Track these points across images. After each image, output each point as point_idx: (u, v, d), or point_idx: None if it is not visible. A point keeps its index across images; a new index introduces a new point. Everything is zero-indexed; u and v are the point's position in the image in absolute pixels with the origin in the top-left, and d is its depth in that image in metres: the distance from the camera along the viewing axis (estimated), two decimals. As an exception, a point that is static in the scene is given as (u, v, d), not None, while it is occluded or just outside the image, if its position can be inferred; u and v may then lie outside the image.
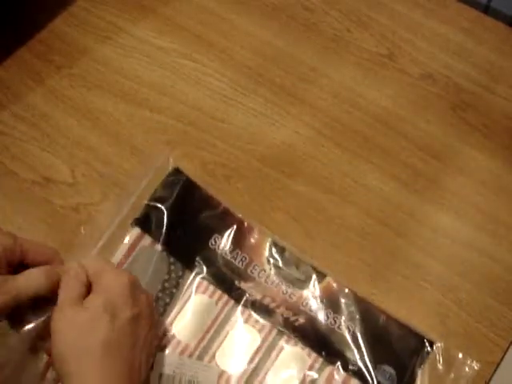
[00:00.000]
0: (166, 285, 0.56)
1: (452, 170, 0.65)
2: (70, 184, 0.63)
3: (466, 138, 0.67)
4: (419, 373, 0.54)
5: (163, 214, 0.59)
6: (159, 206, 0.60)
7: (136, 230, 0.59)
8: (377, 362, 0.53)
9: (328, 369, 0.54)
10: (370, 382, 0.53)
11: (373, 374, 0.53)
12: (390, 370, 0.53)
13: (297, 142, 0.66)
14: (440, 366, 0.54)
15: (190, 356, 0.54)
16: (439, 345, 0.55)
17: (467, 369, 0.54)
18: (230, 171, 0.65)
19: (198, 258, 0.58)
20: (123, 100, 0.69)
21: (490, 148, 0.66)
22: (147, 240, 0.59)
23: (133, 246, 0.58)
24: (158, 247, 0.58)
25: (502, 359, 0.55)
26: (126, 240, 0.58)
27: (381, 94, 0.70)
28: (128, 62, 0.71)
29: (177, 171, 0.62)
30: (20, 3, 0.75)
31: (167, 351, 0.54)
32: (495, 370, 0.55)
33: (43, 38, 0.73)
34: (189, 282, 0.57)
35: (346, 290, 0.57)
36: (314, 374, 0.53)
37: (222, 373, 0.53)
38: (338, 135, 0.67)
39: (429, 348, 0.54)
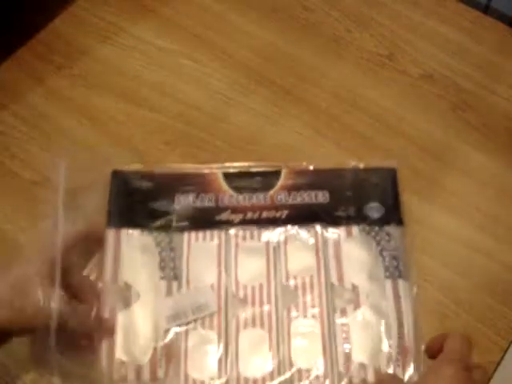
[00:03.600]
0: (163, 254, 0.57)
1: (452, 170, 0.65)
2: (70, 184, 0.64)
3: (466, 137, 0.67)
4: (400, 197, 0.60)
5: (126, 206, 0.60)
6: (118, 202, 0.60)
7: (111, 230, 0.58)
8: (363, 203, 0.59)
9: (332, 231, 0.58)
10: (366, 220, 0.58)
11: (365, 213, 0.59)
12: (376, 204, 0.59)
13: (297, 141, 0.66)
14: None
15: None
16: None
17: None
18: (230, 171, 0.65)
19: (173, 220, 0.59)
20: (123, 100, 0.69)
21: (489, 148, 0.66)
22: (124, 232, 0.58)
23: (116, 244, 0.58)
24: (135, 232, 0.58)
25: (501, 359, 0.55)
26: (110, 241, 0.57)
27: (381, 94, 0.70)
28: (128, 62, 0.71)
29: (116, 173, 0.61)
30: (20, 3, 0.75)
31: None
32: (495, 370, 0.55)
33: (43, 38, 0.73)
34: (179, 241, 0.58)
35: (306, 166, 0.62)
36: (325, 239, 0.58)
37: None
38: (338, 135, 0.67)
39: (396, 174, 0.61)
